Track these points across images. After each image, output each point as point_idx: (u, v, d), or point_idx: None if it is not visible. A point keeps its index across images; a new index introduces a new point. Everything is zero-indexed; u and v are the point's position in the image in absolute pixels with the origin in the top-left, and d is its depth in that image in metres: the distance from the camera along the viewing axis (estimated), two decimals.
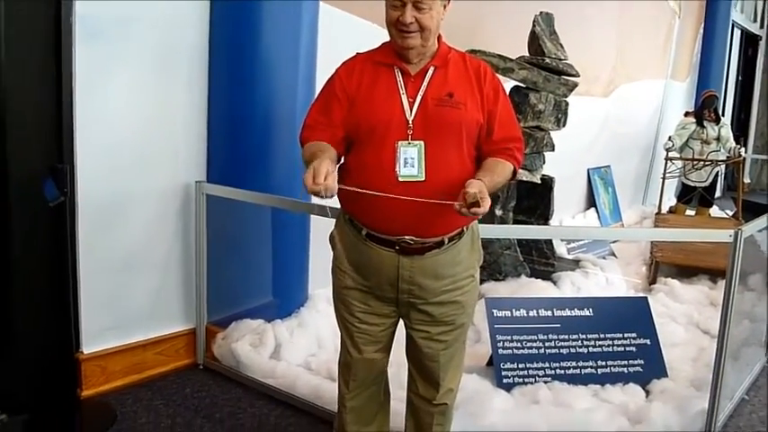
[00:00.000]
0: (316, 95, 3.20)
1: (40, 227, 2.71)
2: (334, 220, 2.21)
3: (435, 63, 1.99)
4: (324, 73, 3.23)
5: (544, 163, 4.56)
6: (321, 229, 3.30)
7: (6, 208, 2.65)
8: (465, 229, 2.07)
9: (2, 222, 2.66)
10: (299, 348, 3.29)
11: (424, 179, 1.91)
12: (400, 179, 1.90)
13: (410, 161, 1.91)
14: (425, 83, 1.96)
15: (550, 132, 4.49)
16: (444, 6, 1.96)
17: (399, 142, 1.92)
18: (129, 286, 3.09)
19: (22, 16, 2.60)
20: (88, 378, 2.99)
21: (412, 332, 2.14)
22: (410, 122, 1.93)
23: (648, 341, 3.32)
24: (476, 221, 2.12)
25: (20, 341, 2.77)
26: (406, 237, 1.96)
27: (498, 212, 4.23)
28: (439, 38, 2.03)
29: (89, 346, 3.00)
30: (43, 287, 2.78)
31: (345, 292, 2.13)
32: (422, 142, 1.92)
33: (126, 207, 3.00)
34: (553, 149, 4.50)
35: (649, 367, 3.25)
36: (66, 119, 2.75)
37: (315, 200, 3.08)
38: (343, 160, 2.05)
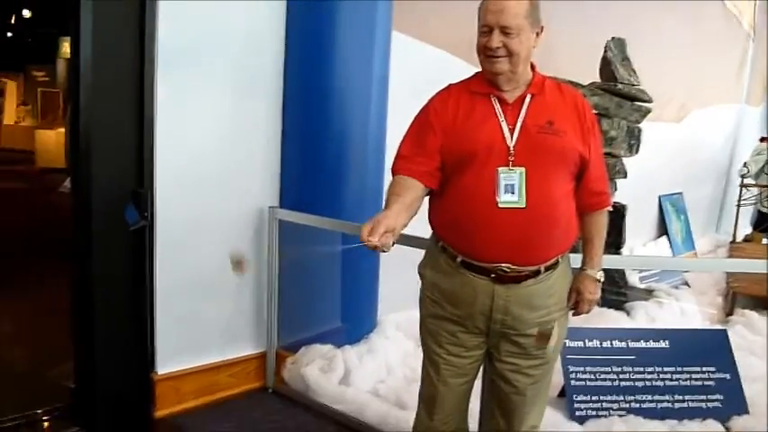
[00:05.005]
0: (387, 122, 3.33)
1: (120, 250, 2.79)
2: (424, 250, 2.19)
3: (532, 91, 1.98)
4: (396, 100, 3.30)
5: (616, 189, 4.47)
6: (391, 255, 3.31)
7: (89, 231, 2.74)
8: (560, 258, 2.04)
9: (85, 245, 2.75)
10: (368, 374, 3.28)
11: (524, 206, 1.89)
12: (500, 205, 1.89)
13: (510, 187, 1.90)
14: (524, 110, 1.96)
15: (622, 159, 4.41)
16: (537, 34, 1.95)
17: (500, 168, 1.91)
18: (202, 309, 3.14)
19: (107, 42, 2.70)
20: (161, 398, 3.04)
21: (500, 365, 2.10)
22: (511, 149, 1.92)
23: (728, 375, 3.20)
24: (568, 252, 2.09)
25: (99, 360, 2.85)
26: (503, 264, 1.94)
27: None
28: (533, 66, 2.03)
29: (163, 367, 3.05)
30: (122, 309, 2.86)
31: (434, 323, 2.10)
32: (523, 168, 1.91)
33: (202, 231, 3.06)
34: (625, 176, 4.42)
35: (729, 403, 3.14)
36: (148, 144, 2.83)
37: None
38: (438, 189, 2.02)
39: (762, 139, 7.33)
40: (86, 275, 2.78)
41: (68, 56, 2.90)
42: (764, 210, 7.09)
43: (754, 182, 7.04)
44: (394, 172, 2.01)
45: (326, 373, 3.27)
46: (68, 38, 2.86)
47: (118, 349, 2.88)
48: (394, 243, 1.68)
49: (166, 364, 3.06)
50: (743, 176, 6.92)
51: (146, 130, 2.83)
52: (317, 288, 3.38)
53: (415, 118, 2.08)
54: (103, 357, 2.86)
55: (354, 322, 3.50)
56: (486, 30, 1.91)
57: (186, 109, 2.94)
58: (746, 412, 3.12)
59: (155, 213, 2.88)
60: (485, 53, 1.93)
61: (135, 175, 2.85)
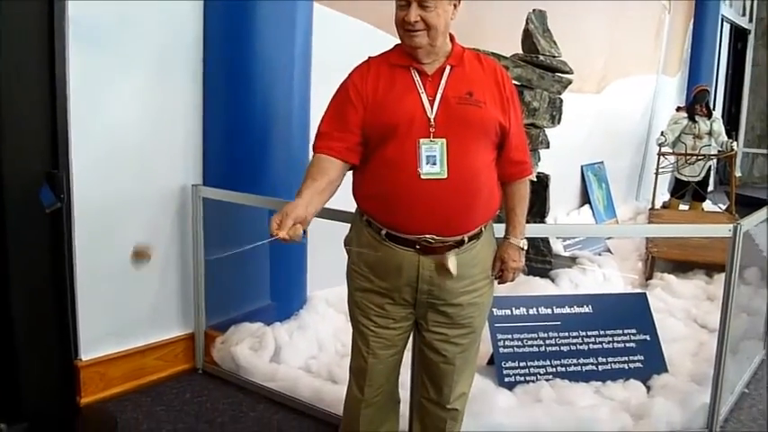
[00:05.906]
0: (311, 97, 3.29)
1: (36, 233, 2.68)
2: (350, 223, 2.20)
3: (451, 62, 1.99)
4: (319, 74, 3.26)
5: (539, 160, 4.54)
6: (319, 231, 3.29)
7: (2, 214, 2.62)
8: (483, 228, 2.07)
9: None
10: (299, 351, 3.27)
11: (446, 177, 1.91)
12: (423, 177, 1.90)
13: (432, 159, 1.91)
14: (443, 81, 1.96)
15: (545, 130, 4.48)
16: (455, 6, 1.96)
17: (421, 140, 1.91)
18: (126, 291, 3.07)
19: (13, 20, 2.57)
20: (87, 385, 2.97)
21: (428, 335, 2.12)
22: (432, 120, 1.92)
23: (648, 337, 3.32)
24: (491, 222, 2.12)
25: (18, 349, 2.74)
26: (427, 236, 1.95)
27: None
28: (452, 38, 2.03)
29: (87, 353, 2.98)
30: (41, 294, 2.75)
31: (362, 296, 2.11)
32: (444, 140, 1.92)
33: (122, 212, 2.98)
34: (548, 147, 4.49)
35: (650, 363, 3.25)
36: (61, 124, 2.72)
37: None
38: (361, 162, 2.03)
39: (678, 109, 7.55)
40: (2, 261, 2.66)
41: None
42: (681, 177, 7.33)
43: (671, 150, 7.26)
44: (315, 149, 2.01)
45: (257, 351, 3.25)
46: None
47: (39, 337, 2.78)
48: (305, 232, 1.69)
49: (91, 349, 2.99)
50: (660, 145, 7.14)
51: (58, 109, 2.71)
52: (244, 266, 3.33)
53: (335, 94, 2.06)
54: (24, 347, 2.75)
55: (283, 299, 3.48)
56: (403, 3, 1.91)
57: (102, 86, 2.84)
58: (666, 371, 3.25)
59: (72, 195, 2.78)
60: (403, 27, 1.93)
61: (49, 155, 2.73)
